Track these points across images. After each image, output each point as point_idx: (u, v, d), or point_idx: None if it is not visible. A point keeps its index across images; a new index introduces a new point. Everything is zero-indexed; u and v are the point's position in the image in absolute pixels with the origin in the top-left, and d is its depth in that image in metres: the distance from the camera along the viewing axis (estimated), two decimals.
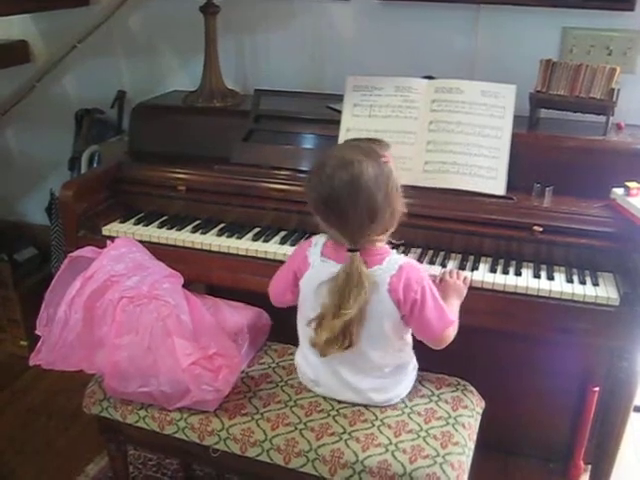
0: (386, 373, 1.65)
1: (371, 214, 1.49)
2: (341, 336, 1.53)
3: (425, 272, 1.59)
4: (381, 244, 1.58)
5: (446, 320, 1.59)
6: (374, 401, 1.66)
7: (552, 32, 2.26)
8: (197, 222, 2.14)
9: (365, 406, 1.66)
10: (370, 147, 1.54)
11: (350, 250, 1.52)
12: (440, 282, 1.75)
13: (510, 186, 1.95)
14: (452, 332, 1.61)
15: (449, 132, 2.01)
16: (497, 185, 1.95)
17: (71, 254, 1.78)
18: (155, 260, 1.82)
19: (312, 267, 1.60)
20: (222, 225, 2.12)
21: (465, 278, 1.76)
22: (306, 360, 1.71)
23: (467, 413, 1.69)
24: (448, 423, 1.64)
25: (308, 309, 1.62)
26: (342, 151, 1.56)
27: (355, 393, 1.66)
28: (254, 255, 1.98)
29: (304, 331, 1.66)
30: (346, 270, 1.51)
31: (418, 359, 1.74)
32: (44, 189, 3.03)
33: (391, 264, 1.54)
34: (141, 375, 1.63)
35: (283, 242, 2.01)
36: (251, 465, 1.64)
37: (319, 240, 1.62)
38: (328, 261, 1.57)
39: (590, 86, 2.02)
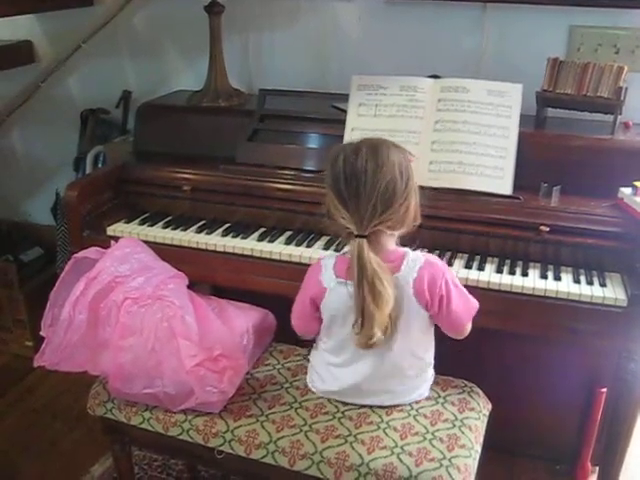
0: (409, 377, 1.64)
1: (386, 201, 1.46)
2: (388, 327, 1.52)
3: (443, 264, 1.59)
4: (392, 247, 1.56)
5: (471, 305, 1.60)
6: (386, 404, 1.66)
7: (559, 30, 2.24)
8: (202, 222, 2.14)
9: (371, 408, 1.65)
10: (398, 144, 1.55)
11: (357, 236, 1.49)
12: None
13: (517, 186, 1.94)
14: (471, 321, 1.62)
15: (455, 131, 2.00)
16: (504, 185, 1.94)
17: (76, 254, 1.78)
18: (160, 261, 1.81)
19: (330, 291, 1.57)
20: (227, 225, 2.11)
21: None
22: (332, 373, 1.67)
23: (474, 415, 1.68)
24: (454, 425, 1.63)
25: (337, 330, 1.61)
26: (371, 138, 1.55)
27: (373, 398, 1.65)
28: (259, 255, 1.97)
29: (336, 346, 1.64)
30: (355, 258, 1.49)
31: None
32: (49, 189, 3.04)
33: (410, 267, 1.53)
34: (145, 376, 1.62)
35: (288, 242, 2.00)
36: (256, 467, 1.63)
37: (328, 262, 1.60)
38: (346, 282, 1.54)
39: (597, 85, 2.01)
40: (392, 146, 1.52)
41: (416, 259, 1.55)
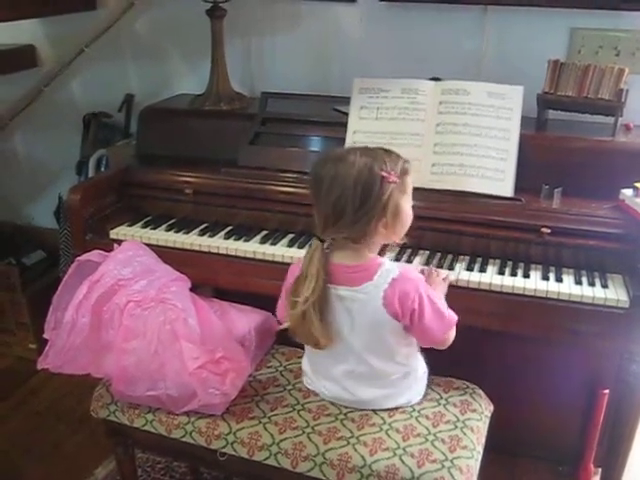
0: (393, 381, 1.64)
1: (337, 214, 1.47)
2: (303, 328, 1.54)
3: (420, 278, 1.57)
4: (369, 255, 1.56)
5: (446, 322, 1.57)
6: (384, 407, 1.66)
7: (560, 33, 2.25)
8: (204, 225, 2.14)
9: (373, 410, 1.66)
10: (380, 158, 1.49)
11: (317, 237, 1.53)
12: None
13: (518, 188, 1.94)
14: (453, 332, 1.60)
15: (456, 134, 2.01)
16: (505, 187, 1.94)
17: (79, 258, 1.78)
18: (162, 263, 1.81)
19: None
20: (229, 228, 2.12)
21: (446, 277, 1.75)
22: (315, 374, 1.70)
23: (475, 417, 1.68)
24: (456, 427, 1.63)
25: None
26: (353, 149, 1.55)
27: (365, 404, 1.66)
28: (261, 258, 1.98)
29: (309, 348, 1.67)
30: (306, 254, 1.55)
31: (426, 362, 1.72)
32: (52, 193, 3.04)
33: (383, 278, 1.52)
34: (148, 379, 1.63)
35: (290, 245, 2.01)
36: (259, 469, 1.63)
37: None
38: None
39: (598, 87, 2.02)
40: (364, 162, 1.47)
41: (391, 270, 1.53)
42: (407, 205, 1.54)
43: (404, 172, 1.52)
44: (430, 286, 1.63)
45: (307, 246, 1.97)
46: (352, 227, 1.48)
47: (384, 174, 1.47)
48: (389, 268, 1.54)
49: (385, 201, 1.47)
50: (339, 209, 1.47)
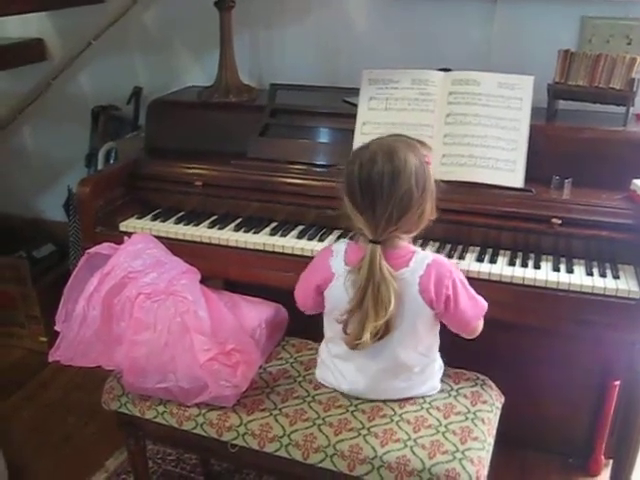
0: (415, 373, 1.64)
1: (402, 210, 1.47)
2: (380, 331, 1.51)
3: (452, 263, 1.59)
4: (404, 244, 1.56)
5: (479, 307, 1.59)
6: (397, 398, 1.66)
7: (570, 22, 2.23)
8: (214, 217, 2.14)
9: (384, 401, 1.66)
10: (415, 144, 1.53)
11: (372, 241, 1.49)
12: None
13: (528, 178, 1.93)
14: (482, 321, 1.61)
15: (466, 125, 2.00)
16: (515, 177, 1.93)
17: (89, 250, 1.79)
18: (172, 256, 1.81)
19: (338, 277, 1.57)
20: (239, 220, 2.12)
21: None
22: (337, 367, 1.67)
23: (486, 408, 1.68)
24: (467, 418, 1.63)
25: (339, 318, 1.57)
26: (388, 140, 1.54)
27: (380, 395, 1.66)
28: (271, 250, 1.98)
29: (335, 336, 1.63)
30: (367, 262, 1.49)
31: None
32: (62, 186, 3.05)
33: (418, 264, 1.53)
34: (159, 371, 1.63)
35: (300, 237, 2.01)
36: (269, 460, 1.63)
37: (339, 248, 1.60)
38: (357, 270, 1.53)
39: (610, 76, 2.00)
40: (409, 151, 1.48)
41: (425, 256, 1.55)
42: None
43: (430, 150, 1.57)
44: None
45: (317, 238, 1.98)
46: (414, 217, 1.50)
47: (427, 159, 1.51)
48: (423, 255, 1.55)
49: (432, 184, 1.52)
50: (406, 203, 1.46)
